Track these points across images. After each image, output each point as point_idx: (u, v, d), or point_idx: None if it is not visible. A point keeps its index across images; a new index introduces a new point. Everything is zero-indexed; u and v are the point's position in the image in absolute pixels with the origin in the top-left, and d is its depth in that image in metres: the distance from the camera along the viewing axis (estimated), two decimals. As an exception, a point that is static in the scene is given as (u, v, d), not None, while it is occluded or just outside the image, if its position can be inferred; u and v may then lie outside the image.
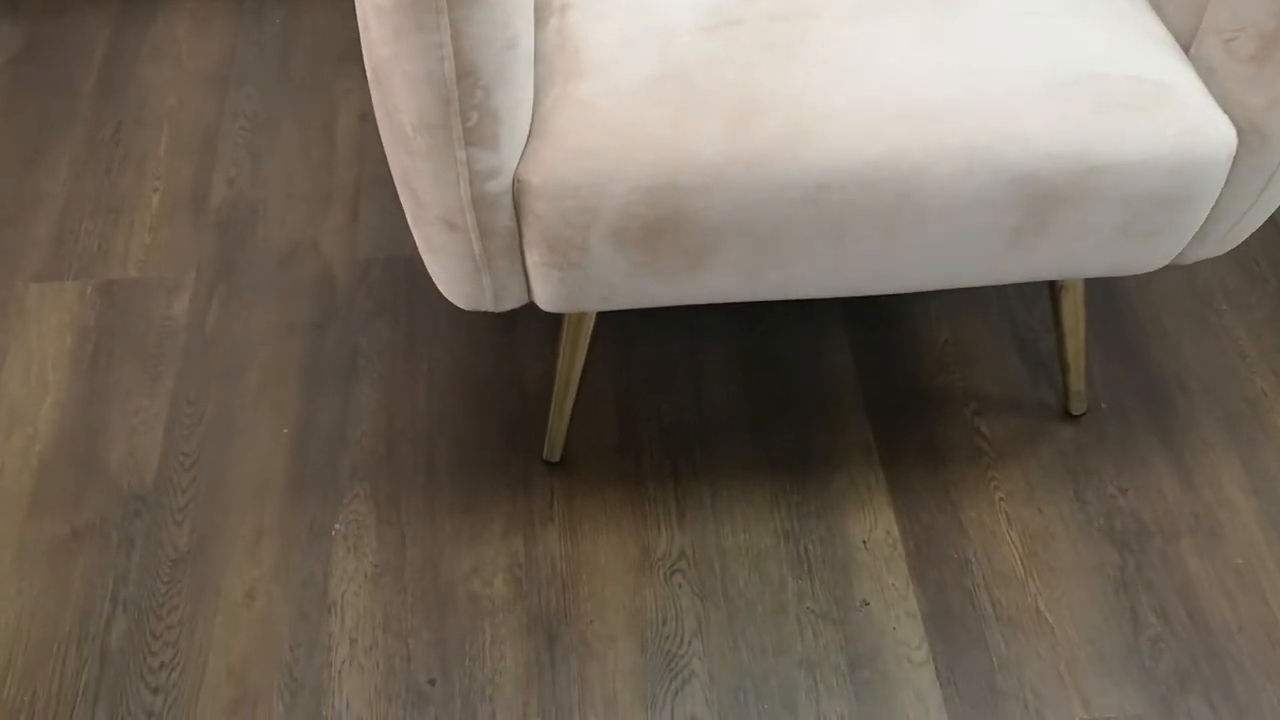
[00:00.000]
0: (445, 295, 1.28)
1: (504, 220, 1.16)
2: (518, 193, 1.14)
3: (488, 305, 1.26)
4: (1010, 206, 1.15)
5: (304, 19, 2.16)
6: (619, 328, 1.68)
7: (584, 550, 1.46)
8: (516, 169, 1.13)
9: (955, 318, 1.68)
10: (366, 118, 1.97)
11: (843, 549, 1.45)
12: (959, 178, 1.12)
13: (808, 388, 1.60)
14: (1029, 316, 1.67)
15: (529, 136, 1.14)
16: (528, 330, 1.68)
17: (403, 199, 1.20)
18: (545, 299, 1.24)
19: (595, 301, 1.23)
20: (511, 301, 1.27)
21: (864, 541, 1.45)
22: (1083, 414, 1.54)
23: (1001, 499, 1.48)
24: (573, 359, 1.42)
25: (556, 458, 1.53)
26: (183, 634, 1.38)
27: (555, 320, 1.65)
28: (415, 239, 1.25)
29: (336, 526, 1.48)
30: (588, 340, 1.40)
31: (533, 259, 1.18)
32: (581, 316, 1.37)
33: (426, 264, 1.27)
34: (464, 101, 1.05)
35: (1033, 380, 1.60)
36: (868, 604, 1.40)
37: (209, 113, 1.99)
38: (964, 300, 1.70)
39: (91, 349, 1.66)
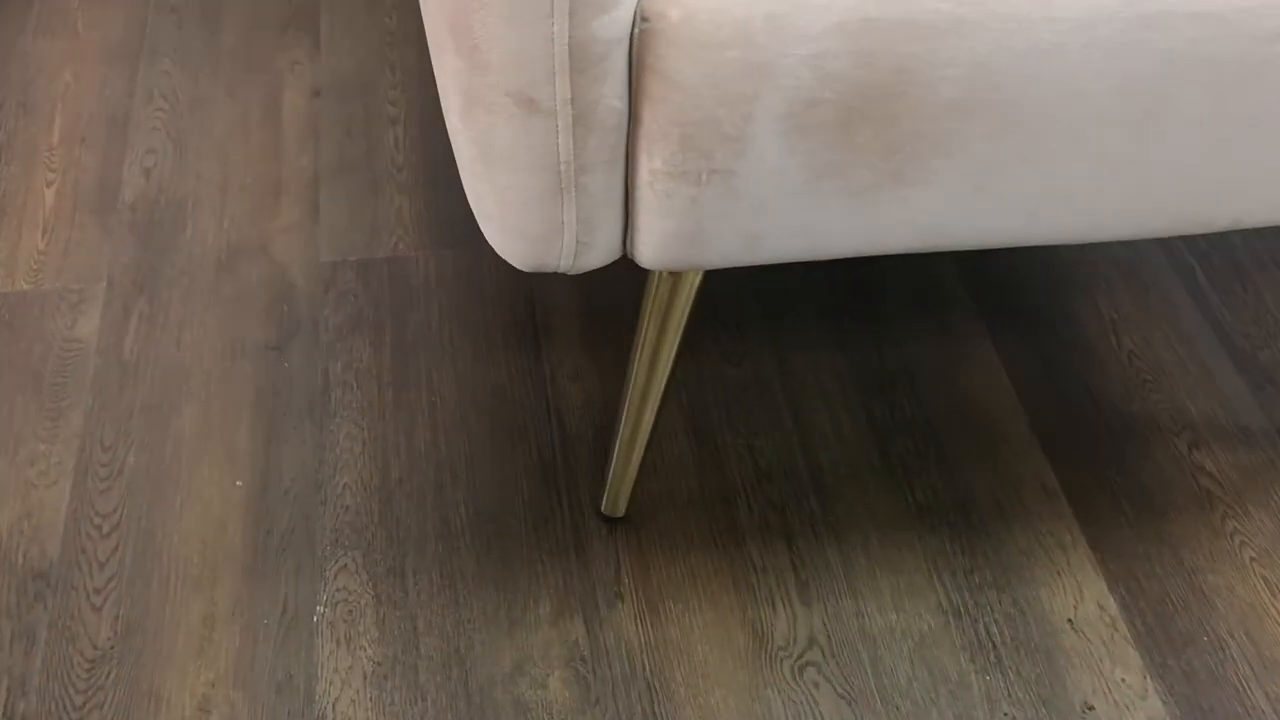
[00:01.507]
0: (496, 245, 0.97)
1: (613, 95, 0.85)
2: (640, 43, 0.83)
3: (561, 258, 0.94)
4: None
5: (237, -19, 1.86)
6: (694, 329, 1.37)
7: (671, 637, 1.13)
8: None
9: (1136, 322, 1.39)
10: (322, 95, 1.66)
11: (1041, 631, 1.13)
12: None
13: (952, 414, 1.30)
14: (1237, 318, 1.39)
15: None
16: (558, 340, 1.37)
17: (447, 67, 0.89)
18: (654, 243, 0.92)
19: (732, 247, 0.92)
20: (598, 253, 0.95)
21: (1070, 620, 1.14)
22: (1347, 439, 1.25)
23: (1252, 558, 1.18)
24: (655, 358, 1.11)
25: (621, 511, 1.21)
26: (103, 765, 1.03)
27: (598, 324, 1.34)
28: (458, 145, 0.93)
29: (319, 610, 1.14)
30: (681, 326, 1.08)
31: (651, 166, 0.87)
32: (676, 288, 1.05)
33: (471, 191, 0.95)
34: None
35: (1260, 400, 1.31)
36: (1092, 708, 1.09)
37: (115, 93, 1.67)
38: (1143, 299, 1.41)
39: (-36, 376, 1.32)
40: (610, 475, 1.20)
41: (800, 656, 1.12)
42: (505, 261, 1.45)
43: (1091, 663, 1.11)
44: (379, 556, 1.19)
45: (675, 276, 1.05)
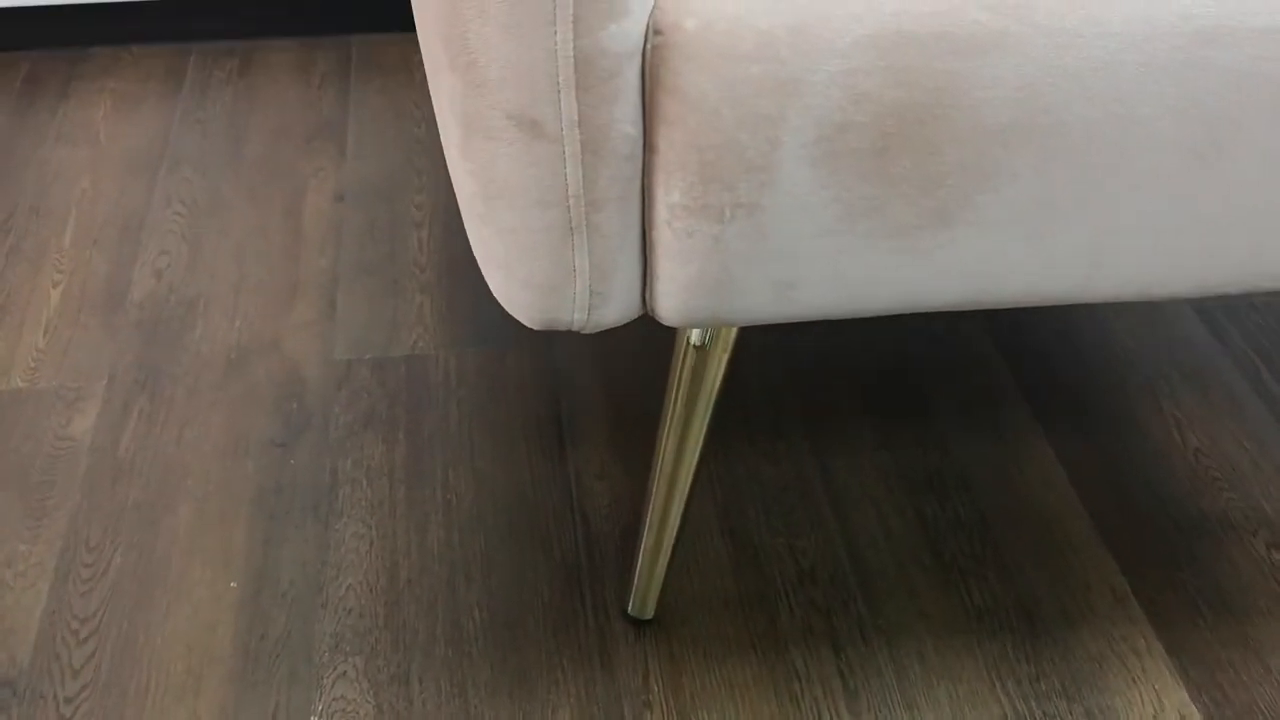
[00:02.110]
0: (502, 297, 0.83)
1: (625, 120, 0.72)
2: (653, 59, 0.71)
3: (574, 311, 0.81)
4: None
5: (260, 96, 1.76)
6: (713, 437, 1.22)
7: (706, 752, 0.97)
8: (654, 7, 0.71)
9: (1201, 421, 1.24)
10: (346, 199, 1.55)
11: (1118, 742, 0.97)
12: None
13: (1008, 514, 1.15)
14: (1313, 415, 1.23)
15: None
16: (585, 439, 1.23)
17: (444, 89, 0.77)
18: (676, 293, 0.79)
19: (761, 298, 0.79)
20: (615, 307, 0.82)
21: (1148, 730, 0.98)
22: None
23: (1352, 661, 1.02)
24: (684, 441, 0.96)
25: (649, 614, 1.06)
26: None
27: (626, 424, 1.20)
28: (458, 181, 0.81)
29: (313, 719, 0.99)
30: (711, 405, 0.94)
31: (669, 200, 0.74)
32: (704, 360, 0.91)
33: (474, 235, 0.82)
34: None
35: (1345, 497, 1.15)
36: (1179, 826, 0.92)
37: (133, 199, 1.56)
38: (1207, 398, 1.26)
39: (-57, 467, 1.19)
40: (637, 573, 1.05)
41: (849, 773, 0.96)
42: (529, 359, 1.32)
43: (1179, 781, 0.95)
44: (382, 663, 1.03)
45: (702, 351, 0.92)
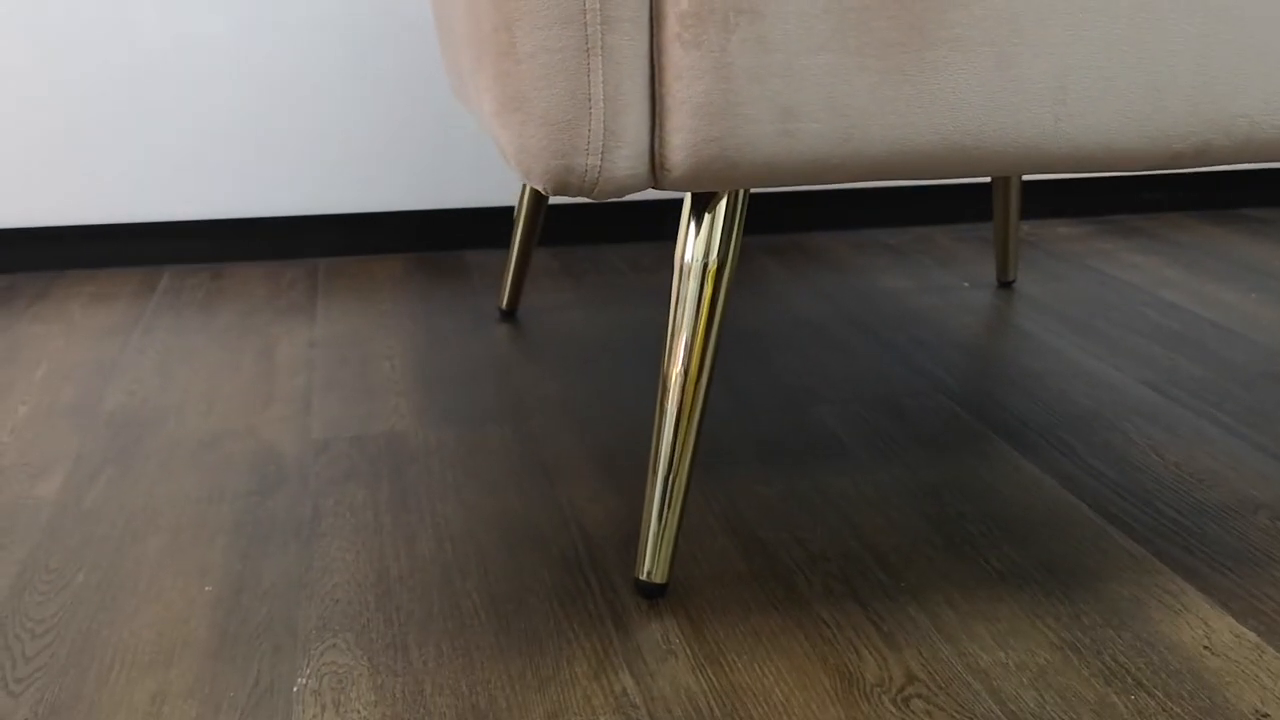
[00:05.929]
0: (517, 155, 0.72)
1: None
2: None
3: (587, 159, 0.70)
4: None
5: (232, 292, 1.65)
6: (713, 468, 1.07)
7: (741, 683, 0.78)
8: None
9: (1174, 445, 1.12)
10: (317, 345, 1.42)
11: (1178, 657, 0.80)
12: None
13: (1008, 509, 1.00)
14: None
15: None
16: (573, 479, 1.06)
17: None
18: (684, 129, 0.69)
19: (767, 132, 0.69)
20: (626, 156, 0.71)
21: (1206, 647, 0.81)
22: None
23: (1399, 573, 0.86)
24: (702, 352, 0.82)
25: (662, 578, 0.88)
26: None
27: (613, 471, 1.05)
28: (480, 24, 0.70)
29: (300, 681, 0.78)
30: (721, 313, 0.81)
31: (678, 9, 0.66)
32: (711, 277, 0.79)
33: (495, 80, 0.71)
34: None
35: (1338, 472, 1.02)
36: (1267, 715, 0.74)
37: (107, 351, 1.42)
38: (1174, 430, 1.14)
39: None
40: (649, 529, 0.87)
41: (901, 690, 0.77)
42: (510, 430, 1.17)
43: (1248, 677, 0.77)
44: (375, 635, 0.84)
45: (705, 272, 0.80)
